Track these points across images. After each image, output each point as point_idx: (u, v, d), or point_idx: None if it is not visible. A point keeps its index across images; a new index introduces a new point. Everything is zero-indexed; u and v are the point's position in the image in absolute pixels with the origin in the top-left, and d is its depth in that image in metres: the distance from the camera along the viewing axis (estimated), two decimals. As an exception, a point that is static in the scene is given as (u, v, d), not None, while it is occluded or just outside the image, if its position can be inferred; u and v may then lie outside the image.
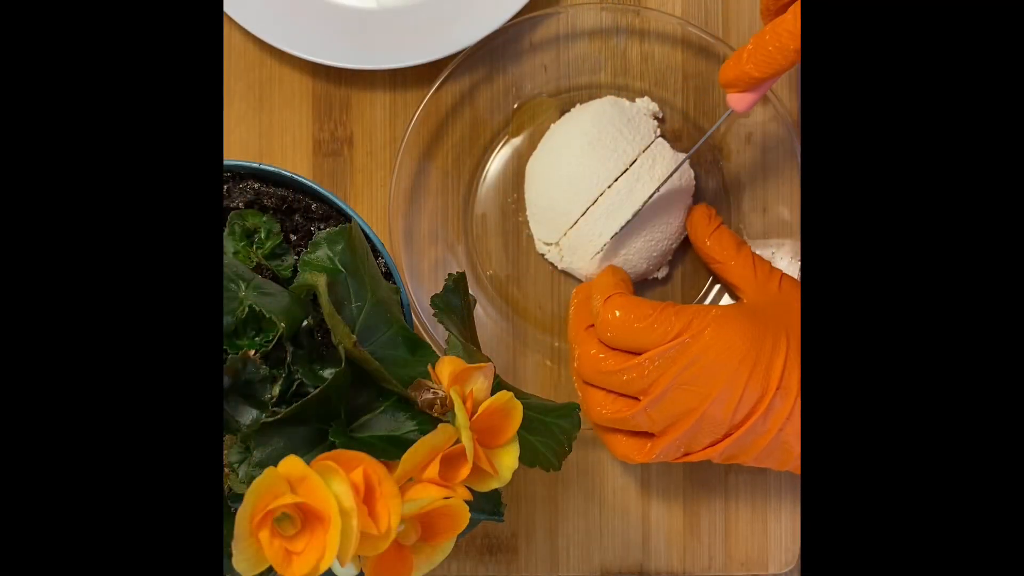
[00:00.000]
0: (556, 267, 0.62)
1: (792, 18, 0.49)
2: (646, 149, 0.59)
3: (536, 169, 0.61)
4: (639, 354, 0.53)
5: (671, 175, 0.59)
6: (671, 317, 0.52)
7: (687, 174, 0.60)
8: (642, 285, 0.62)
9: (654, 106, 0.61)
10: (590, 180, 0.58)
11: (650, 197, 0.58)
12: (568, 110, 0.62)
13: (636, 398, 0.53)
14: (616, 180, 0.58)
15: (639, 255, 0.59)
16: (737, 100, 0.53)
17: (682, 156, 0.60)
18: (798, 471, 0.54)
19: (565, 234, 0.59)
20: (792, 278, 0.58)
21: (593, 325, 0.55)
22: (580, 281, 0.62)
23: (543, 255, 0.62)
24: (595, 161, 0.58)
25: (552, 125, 0.61)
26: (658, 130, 0.61)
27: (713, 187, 0.62)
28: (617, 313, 0.53)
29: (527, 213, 0.62)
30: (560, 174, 0.59)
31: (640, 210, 0.58)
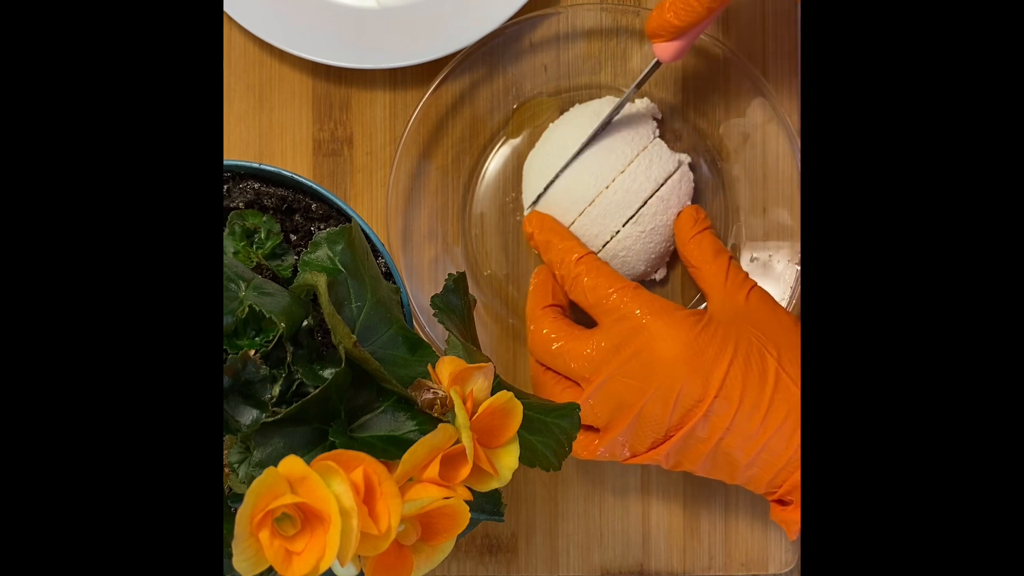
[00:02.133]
0: None
1: None
2: (644, 150, 0.59)
3: (534, 167, 0.61)
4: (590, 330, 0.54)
5: (671, 176, 0.59)
6: (628, 297, 0.54)
7: (686, 176, 0.60)
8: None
9: (653, 106, 0.61)
10: (588, 180, 0.58)
11: (643, 203, 0.58)
12: (567, 110, 0.62)
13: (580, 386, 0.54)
14: (614, 180, 0.58)
15: (637, 257, 0.59)
16: (662, 49, 0.55)
17: (681, 157, 0.60)
18: (749, 486, 0.55)
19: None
20: (763, 292, 0.57)
21: (550, 306, 0.57)
22: None
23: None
24: (593, 161, 0.58)
25: (551, 124, 0.61)
26: (657, 131, 0.61)
27: (712, 188, 0.62)
28: (585, 279, 0.56)
29: (524, 211, 0.62)
30: (559, 174, 0.59)
31: (636, 212, 0.58)
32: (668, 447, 0.53)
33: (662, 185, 0.59)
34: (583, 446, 0.55)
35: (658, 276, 0.62)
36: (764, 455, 0.52)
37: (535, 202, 0.60)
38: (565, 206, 0.59)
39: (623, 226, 0.58)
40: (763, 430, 0.52)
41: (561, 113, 0.62)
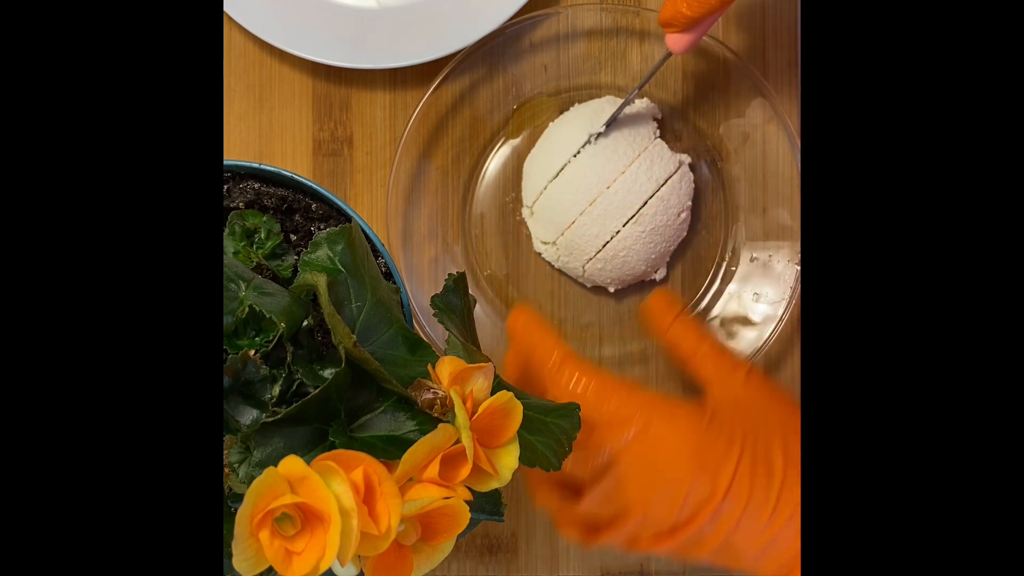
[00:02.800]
0: (552, 266, 0.62)
1: None
2: (645, 150, 0.59)
3: (535, 167, 0.61)
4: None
5: (670, 176, 0.59)
6: (624, 399, 0.51)
7: (686, 176, 0.60)
8: (640, 286, 0.62)
9: (654, 107, 0.61)
10: (589, 180, 0.58)
11: (647, 200, 0.58)
12: (568, 110, 0.62)
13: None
14: (615, 181, 0.58)
15: (637, 257, 0.59)
16: (674, 41, 0.54)
17: (681, 157, 0.60)
18: (755, 572, 0.53)
19: (563, 233, 0.59)
20: (760, 374, 0.55)
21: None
22: (575, 281, 0.62)
23: (539, 253, 0.62)
24: (594, 161, 0.58)
25: (551, 123, 0.61)
26: (658, 131, 0.61)
27: (712, 188, 0.62)
28: (580, 384, 0.52)
29: (522, 211, 0.62)
30: (559, 173, 0.59)
31: (637, 213, 0.58)
32: (672, 545, 0.51)
33: (662, 185, 0.59)
34: (580, 537, 0.53)
35: (658, 276, 0.62)
36: (771, 550, 0.51)
37: (536, 200, 0.60)
38: (565, 206, 0.59)
39: (623, 226, 0.58)
40: (771, 525, 0.50)
41: (561, 113, 0.62)
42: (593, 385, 0.52)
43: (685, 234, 0.61)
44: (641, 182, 0.58)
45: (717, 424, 0.51)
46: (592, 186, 0.58)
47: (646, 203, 0.58)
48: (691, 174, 0.60)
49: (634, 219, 0.58)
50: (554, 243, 0.60)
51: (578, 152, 0.59)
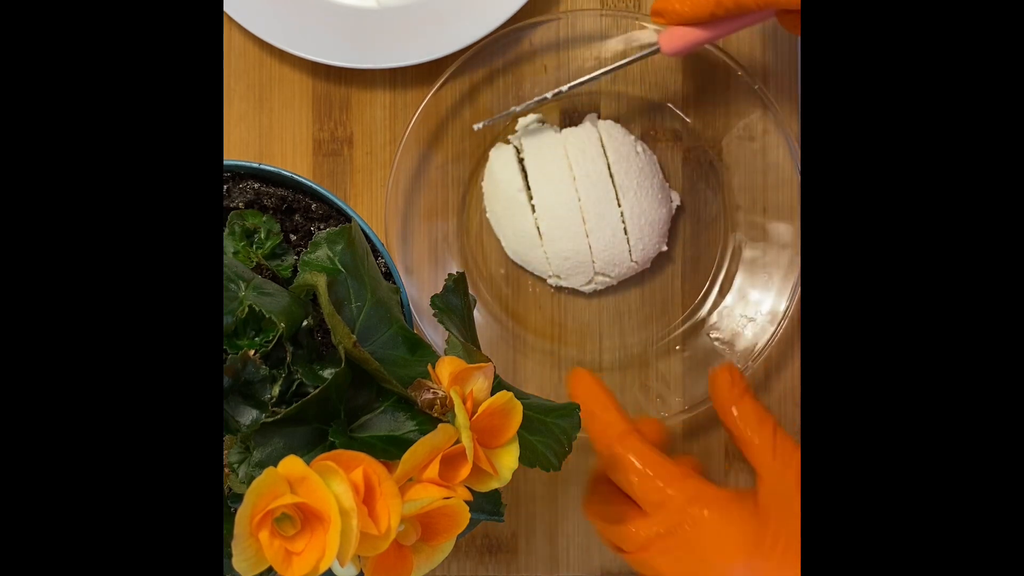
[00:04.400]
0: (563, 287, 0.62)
1: None
2: (565, 149, 0.59)
3: (506, 232, 0.61)
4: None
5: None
6: (681, 485, 0.51)
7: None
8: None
9: (538, 116, 0.61)
10: (560, 209, 0.58)
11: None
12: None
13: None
14: (577, 190, 0.58)
15: (655, 214, 0.59)
16: (667, 40, 0.54)
17: (589, 118, 0.60)
18: None
19: (553, 271, 0.60)
20: None
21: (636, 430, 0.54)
22: (581, 294, 0.62)
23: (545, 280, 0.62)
24: (549, 190, 0.58)
25: (485, 174, 0.61)
26: (557, 128, 0.61)
27: (712, 188, 0.62)
28: (636, 462, 0.52)
29: (550, 280, 0.62)
30: (524, 230, 0.59)
31: (616, 188, 0.58)
32: None
33: (609, 157, 0.59)
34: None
35: (662, 247, 0.61)
36: None
37: (553, 270, 0.60)
38: (567, 243, 0.59)
39: (620, 208, 0.58)
40: None
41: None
42: (652, 467, 0.51)
43: (677, 204, 0.61)
44: (593, 171, 0.58)
45: (765, 514, 0.50)
46: (569, 210, 0.58)
47: (613, 178, 0.58)
48: (619, 126, 0.60)
49: (622, 196, 0.58)
50: (554, 275, 0.61)
51: (527, 190, 0.59)
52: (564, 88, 0.58)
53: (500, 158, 0.60)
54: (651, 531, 0.51)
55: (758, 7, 0.50)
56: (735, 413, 0.54)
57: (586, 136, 0.59)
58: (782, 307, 0.60)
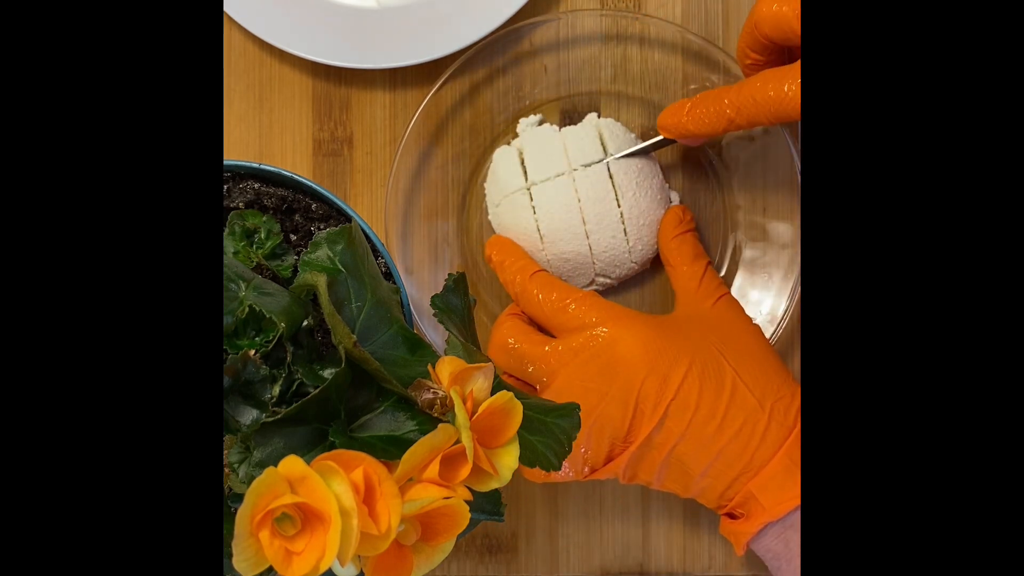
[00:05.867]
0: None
1: (736, 90, 0.51)
2: (558, 154, 0.59)
3: (507, 233, 0.60)
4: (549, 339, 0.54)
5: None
6: (585, 305, 0.54)
7: (607, 123, 0.60)
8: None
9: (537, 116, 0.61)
10: (560, 212, 0.58)
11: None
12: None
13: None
14: (575, 181, 0.58)
15: (654, 198, 0.59)
16: (666, 132, 0.57)
17: (609, 121, 0.60)
18: (701, 499, 0.54)
19: (555, 273, 0.60)
20: (732, 300, 0.57)
21: (515, 313, 0.57)
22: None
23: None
24: (547, 194, 0.58)
25: (489, 174, 0.61)
26: (556, 127, 0.61)
27: (712, 188, 0.62)
28: (539, 295, 0.56)
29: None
30: (526, 232, 0.59)
31: (615, 186, 0.58)
32: (626, 457, 0.53)
33: (607, 152, 0.59)
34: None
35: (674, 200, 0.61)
36: (717, 464, 0.52)
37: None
38: (567, 244, 0.59)
39: (620, 208, 0.58)
40: (717, 438, 0.52)
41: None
42: (557, 294, 0.55)
43: (674, 204, 0.61)
44: (587, 169, 0.58)
45: (672, 331, 0.53)
46: (568, 212, 0.58)
47: (612, 176, 0.58)
48: (612, 120, 0.60)
49: (621, 195, 0.58)
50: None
51: (528, 191, 0.59)
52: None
53: (503, 159, 0.60)
54: (560, 350, 0.53)
55: (770, 123, 0.52)
56: (674, 246, 0.58)
57: (585, 135, 0.59)
58: (782, 307, 0.60)
